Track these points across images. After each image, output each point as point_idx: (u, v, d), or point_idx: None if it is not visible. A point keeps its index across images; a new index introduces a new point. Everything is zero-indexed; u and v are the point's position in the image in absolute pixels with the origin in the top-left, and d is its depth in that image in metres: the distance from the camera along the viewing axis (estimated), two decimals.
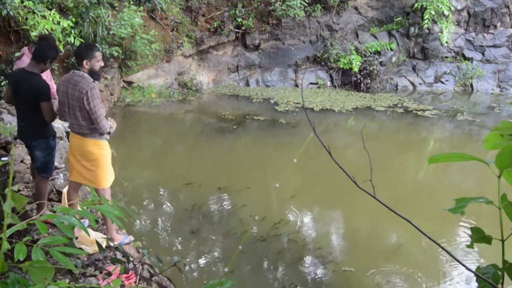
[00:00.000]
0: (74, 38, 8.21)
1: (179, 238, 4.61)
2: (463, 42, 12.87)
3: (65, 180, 4.79)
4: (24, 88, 3.54)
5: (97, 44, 3.66)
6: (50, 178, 3.92)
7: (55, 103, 3.67)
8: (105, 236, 3.65)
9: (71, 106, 3.40)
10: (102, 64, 3.56)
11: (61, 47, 7.61)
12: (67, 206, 3.81)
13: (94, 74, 3.45)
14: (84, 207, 1.29)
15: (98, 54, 3.46)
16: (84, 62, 3.39)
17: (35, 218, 1.20)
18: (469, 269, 1.09)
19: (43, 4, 8.26)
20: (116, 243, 3.57)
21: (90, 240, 3.42)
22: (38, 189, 3.78)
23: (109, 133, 3.51)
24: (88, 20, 8.73)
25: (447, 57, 12.86)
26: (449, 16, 11.95)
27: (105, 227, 3.91)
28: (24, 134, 3.74)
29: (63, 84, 3.43)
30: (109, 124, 3.47)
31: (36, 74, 3.57)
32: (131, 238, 3.92)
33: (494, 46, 12.79)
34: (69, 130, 5.99)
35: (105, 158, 3.55)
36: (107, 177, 3.60)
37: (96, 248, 3.38)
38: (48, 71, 4.98)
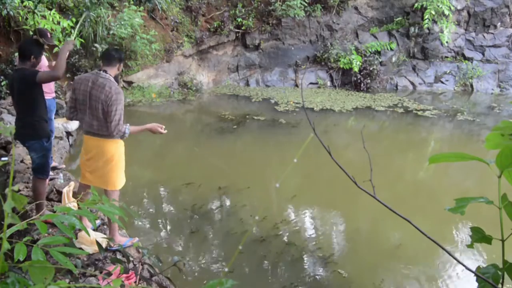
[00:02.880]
0: (74, 38, 8.20)
1: (179, 238, 4.61)
2: (463, 42, 12.87)
3: (65, 180, 4.79)
4: (17, 83, 3.55)
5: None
6: (47, 179, 3.91)
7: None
8: (105, 236, 3.65)
9: (93, 106, 3.33)
10: None
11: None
12: (67, 206, 3.80)
13: (116, 79, 3.49)
14: (85, 207, 1.29)
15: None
16: (120, 65, 3.50)
17: (35, 218, 1.20)
18: (469, 269, 1.09)
19: (43, 4, 8.25)
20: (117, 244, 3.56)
21: (90, 240, 3.42)
22: (36, 191, 3.76)
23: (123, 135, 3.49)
24: (88, 20, 8.72)
25: (447, 57, 12.86)
26: (449, 16, 11.95)
27: (105, 227, 3.91)
28: (19, 135, 3.72)
29: (84, 83, 3.36)
30: (125, 128, 3.42)
31: (23, 68, 3.57)
32: (134, 240, 3.90)
33: (494, 46, 12.80)
34: (69, 130, 6.02)
35: (121, 157, 3.54)
36: (120, 178, 3.58)
37: (96, 248, 3.38)
38: (44, 58, 4.98)
